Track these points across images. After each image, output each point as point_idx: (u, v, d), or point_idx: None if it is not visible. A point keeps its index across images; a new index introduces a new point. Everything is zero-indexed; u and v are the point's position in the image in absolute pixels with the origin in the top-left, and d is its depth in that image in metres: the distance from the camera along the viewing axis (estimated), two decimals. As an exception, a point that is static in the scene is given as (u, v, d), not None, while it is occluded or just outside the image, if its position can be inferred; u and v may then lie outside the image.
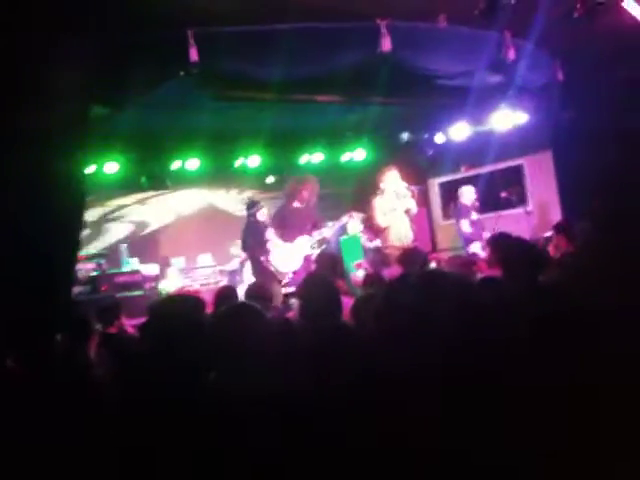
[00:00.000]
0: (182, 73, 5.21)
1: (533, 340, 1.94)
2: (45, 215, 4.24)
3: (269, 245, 7.47)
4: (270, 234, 7.47)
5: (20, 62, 4.05)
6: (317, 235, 7.52)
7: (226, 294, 4.95)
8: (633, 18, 5.10)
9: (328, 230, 7.65)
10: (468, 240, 8.64)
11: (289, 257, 7.36)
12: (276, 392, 2.06)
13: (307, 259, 7.36)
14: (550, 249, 6.44)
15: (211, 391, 2.24)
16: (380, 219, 7.24)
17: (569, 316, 1.96)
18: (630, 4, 4.84)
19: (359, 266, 7.04)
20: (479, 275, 3.94)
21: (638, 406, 1.05)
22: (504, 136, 9.01)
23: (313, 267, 6.51)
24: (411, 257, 4.72)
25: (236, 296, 5.12)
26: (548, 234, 7.95)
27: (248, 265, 8.07)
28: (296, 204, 7.49)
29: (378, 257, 7.61)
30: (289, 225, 7.47)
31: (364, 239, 8.34)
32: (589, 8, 4.99)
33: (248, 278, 7.92)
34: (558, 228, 5.96)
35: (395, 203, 7.32)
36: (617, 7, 5.05)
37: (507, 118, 8.76)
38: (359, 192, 9.21)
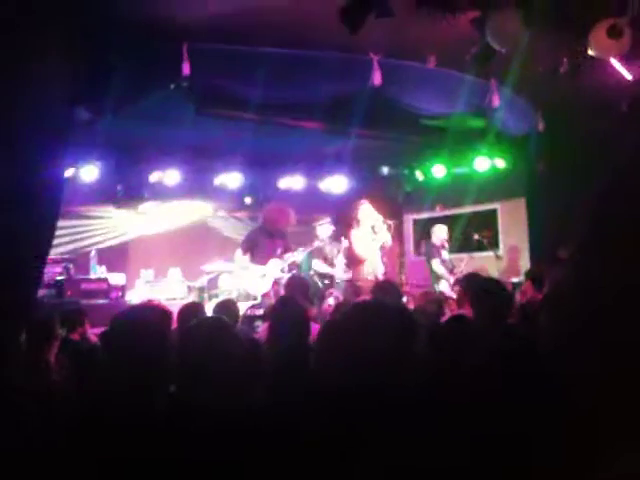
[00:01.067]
0: (172, 86, 5.23)
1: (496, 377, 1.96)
2: (19, 214, 4.19)
3: (237, 267, 7.49)
4: (238, 256, 7.46)
5: (6, 61, 4.04)
6: (288, 259, 7.54)
7: (192, 310, 4.92)
8: (616, 75, 5.25)
9: (299, 254, 7.67)
10: (437, 278, 8.73)
11: (259, 280, 7.36)
12: (236, 410, 2.05)
13: (276, 282, 7.36)
14: (517, 294, 6.53)
15: (169, 406, 2.22)
16: (359, 250, 7.27)
17: (531, 357, 1.98)
18: (615, 63, 4.99)
19: (330, 294, 7.05)
20: (449, 312, 3.99)
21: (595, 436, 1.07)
22: (481, 180, 9.16)
23: (283, 291, 6.50)
24: (385, 289, 4.74)
25: (202, 312, 5.08)
26: (516, 279, 8.07)
27: (219, 282, 8.07)
28: (271, 229, 7.52)
29: (350, 288, 7.64)
30: (260, 248, 7.48)
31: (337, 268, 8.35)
32: (575, 64, 5.13)
33: (219, 295, 7.92)
34: (527, 275, 6.06)
35: (371, 236, 7.37)
36: (601, 65, 5.19)
37: (485, 162, 8.92)
38: (336, 221, 9.26)
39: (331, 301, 6.58)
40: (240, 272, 7.55)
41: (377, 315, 1.50)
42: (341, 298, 6.66)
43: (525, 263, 9.11)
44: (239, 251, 7.54)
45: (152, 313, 2.75)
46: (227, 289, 8.02)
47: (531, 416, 1.52)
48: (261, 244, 7.51)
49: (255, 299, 7.35)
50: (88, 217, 9.14)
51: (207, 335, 2.34)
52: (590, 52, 4.72)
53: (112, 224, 9.42)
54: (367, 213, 7.42)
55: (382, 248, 7.52)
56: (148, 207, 9.52)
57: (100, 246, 8.98)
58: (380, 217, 7.47)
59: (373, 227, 7.38)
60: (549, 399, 1.53)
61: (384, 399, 1.42)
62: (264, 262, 7.43)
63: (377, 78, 5.60)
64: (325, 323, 1.68)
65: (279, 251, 7.54)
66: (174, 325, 4.53)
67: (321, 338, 1.56)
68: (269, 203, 8.28)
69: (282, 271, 7.57)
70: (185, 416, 2.07)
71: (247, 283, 7.43)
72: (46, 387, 3.05)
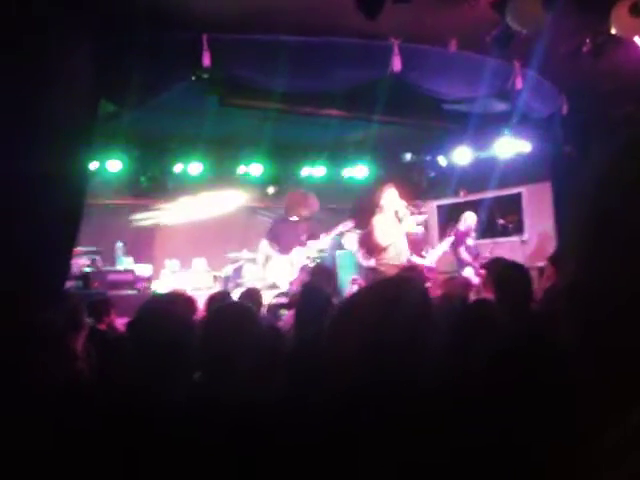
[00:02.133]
0: (193, 77, 5.25)
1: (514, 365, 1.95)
2: (46, 208, 4.26)
3: (261, 256, 7.54)
4: (264, 246, 7.48)
5: (32, 55, 4.09)
6: (313, 246, 7.56)
7: (220, 299, 4.97)
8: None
9: (324, 241, 7.68)
10: (462, 264, 8.68)
11: (285, 268, 7.38)
12: (255, 399, 2.07)
13: (303, 269, 7.39)
14: (543, 279, 6.47)
15: (192, 394, 2.23)
16: (380, 238, 7.24)
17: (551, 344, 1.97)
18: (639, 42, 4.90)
19: (354, 282, 7.06)
20: (473, 296, 3.98)
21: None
22: (505, 164, 9.07)
23: (308, 278, 6.53)
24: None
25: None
26: (542, 264, 8.00)
27: (244, 271, 8.12)
28: (294, 218, 7.53)
29: (374, 274, 7.63)
30: (285, 237, 7.50)
31: (359, 255, 8.36)
32: (598, 44, 5.05)
33: (244, 284, 7.97)
34: (551, 259, 5.99)
35: (395, 221, 7.35)
36: (625, 45, 5.11)
37: (509, 146, 8.82)
38: (359, 208, 9.25)
39: (355, 288, 6.58)
40: (265, 262, 7.58)
41: (399, 295, 1.48)
42: (364, 285, 6.67)
43: (551, 248, 9.01)
44: (264, 241, 7.56)
45: (177, 302, 2.79)
46: (252, 278, 8.07)
47: (546, 408, 1.52)
48: (285, 233, 7.52)
49: (280, 289, 7.39)
50: (113, 209, 9.22)
51: (230, 318, 2.36)
52: (612, 31, 4.65)
53: (137, 216, 9.50)
54: (391, 199, 7.39)
55: (407, 235, 7.49)
56: (172, 198, 9.59)
57: (125, 238, 9.06)
58: (404, 203, 7.44)
59: (397, 213, 7.35)
60: (563, 390, 1.52)
61: (401, 388, 1.40)
62: (289, 251, 7.45)
63: (397, 64, 5.56)
64: (341, 303, 1.65)
65: (303, 238, 7.55)
66: (202, 314, 4.60)
67: (335, 320, 1.54)
68: (289, 191, 8.30)
69: (308, 258, 7.58)
70: (205, 405, 2.09)
71: (273, 273, 7.45)
72: (73, 375, 3.10)
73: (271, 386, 2.29)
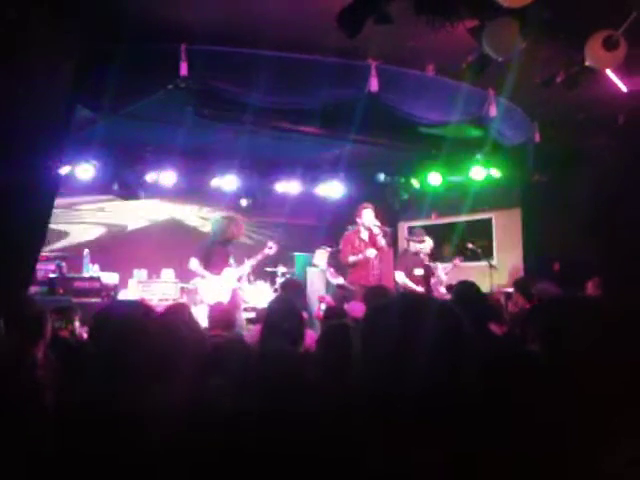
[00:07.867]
0: (170, 86, 5.24)
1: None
2: (13, 211, 4.20)
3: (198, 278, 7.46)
4: (194, 265, 7.27)
5: (7, 59, 4.05)
6: (243, 269, 7.55)
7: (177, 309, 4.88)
8: (612, 88, 5.27)
9: (247, 265, 7.60)
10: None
11: (216, 289, 7.23)
12: (221, 409, 2.04)
13: (235, 292, 7.31)
14: (510, 304, 6.53)
15: (149, 404, 2.20)
16: (349, 256, 7.27)
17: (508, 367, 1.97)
18: (611, 75, 5.01)
19: (322, 299, 7.05)
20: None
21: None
22: (476, 189, 9.18)
23: (277, 294, 6.50)
24: (376, 294, 4.74)
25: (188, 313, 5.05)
26: (510, 289, 8.08)
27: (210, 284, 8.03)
28: (225, 240, 7.39)
29: (341, 292, 7.64)
30: (217, 258, 7.34)
31: (328, 273, 8.37)
32: (572, 75, 5.15)
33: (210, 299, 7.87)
34: (515, 285, 6.05)
35: (367, 241, 7.38)
36: (598, 77, 5.21)
37: (481, 172, 8.93)
38: (331, 226, 9.27)
39: (323, 307, 6.58)
40: (200, 281, 7.46)
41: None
42: (332, 303, 6.67)
43: (519, 273, 9.12)
44: (195, 260, 7.31)
45: (134, 309, 2.73)
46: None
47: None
48: (217, 254, 7.36)
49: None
50: (83, 215, 9.12)
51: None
52: (587, 63, 4.74)
53: (107, 223, 9.40)
54: (368, 218, 7.43)
55: (377, 253, 7.52)
56: (144, 207, 9.51)
57: (93, 245, 8.96)
58: (377, 223, 7.48)
59: (371, 232, 7.38)
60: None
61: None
62: (219, 272, 7.31)
63: (374, 84, 5.62)
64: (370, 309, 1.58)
65: (231, 260, 7.48)
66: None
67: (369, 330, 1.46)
68: (220, 215, 8.21)
69: (239, 280, 7.57)
70: (163, 416, 2.06)
71: (205, 292, 7.31)
72: (31, 383, 3.04)
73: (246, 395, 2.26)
